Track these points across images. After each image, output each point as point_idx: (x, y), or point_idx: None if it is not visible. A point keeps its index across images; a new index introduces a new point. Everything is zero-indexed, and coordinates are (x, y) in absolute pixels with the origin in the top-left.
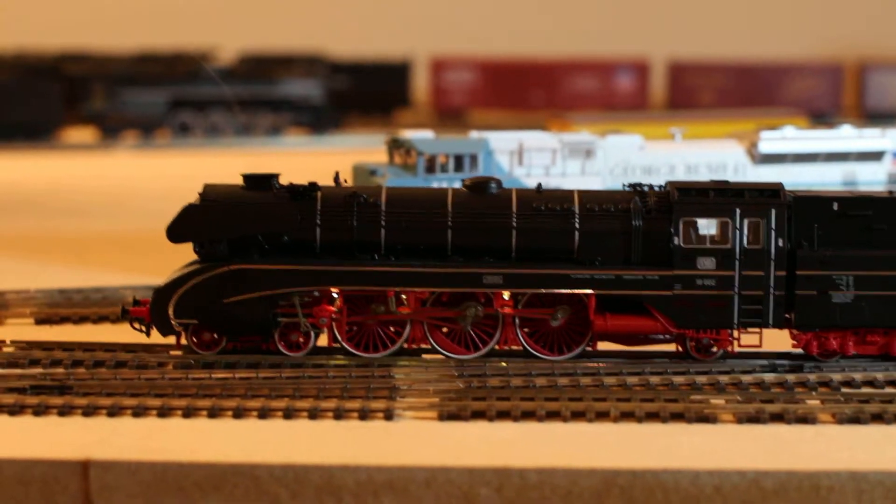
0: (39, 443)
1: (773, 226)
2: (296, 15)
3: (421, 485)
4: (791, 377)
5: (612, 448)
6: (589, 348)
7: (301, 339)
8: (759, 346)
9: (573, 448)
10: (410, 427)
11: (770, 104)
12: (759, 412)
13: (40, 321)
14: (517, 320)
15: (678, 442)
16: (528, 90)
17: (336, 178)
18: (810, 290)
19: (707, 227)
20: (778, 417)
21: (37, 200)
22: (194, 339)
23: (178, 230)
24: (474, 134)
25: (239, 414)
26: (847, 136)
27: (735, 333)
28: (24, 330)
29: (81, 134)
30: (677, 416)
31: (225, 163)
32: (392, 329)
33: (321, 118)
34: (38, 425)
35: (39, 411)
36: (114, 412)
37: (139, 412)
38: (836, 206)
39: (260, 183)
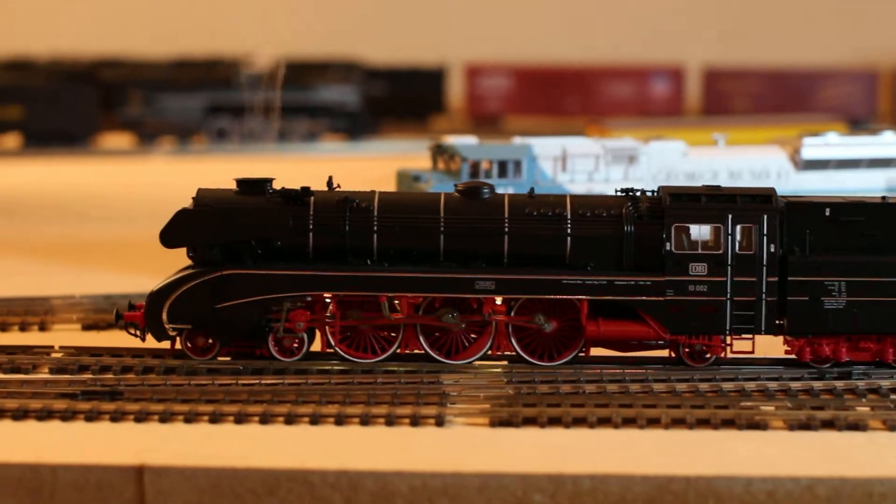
0: (93, 448)
1: (766, 231)
2: (332, 21)
3: (474, 491)
4: (839, 384)
5: (665, 454)
6: (582, 354)
7: (296, 345)
8: (752, 352)
9: (625, 454)
10: (462, 433)
11: (804, 110)
12: (809, 419)
13: (87, 327)
14: (510, 327)
15: (730, 448)
16: (563, 96)
17: (329, 183)
18: (802, 296)
19: (699, 232)
20: (829, 424)
21: (74, 207)
22: (188, 345)
23: (171, 235)
24: (517, 140)
25: (290, 420)
26: (890, 143)
27: (728, 339)
28: (71, 336)
29: (118, 140)
30: (728, 423)
31: (261, 169)
32: (385, 334)
33: (357, 124)
34: (90, 431)
35: (92, 417)
36: (165, 418)
37: (191, 418)
38: (828, 212)
39: (253, 187)
